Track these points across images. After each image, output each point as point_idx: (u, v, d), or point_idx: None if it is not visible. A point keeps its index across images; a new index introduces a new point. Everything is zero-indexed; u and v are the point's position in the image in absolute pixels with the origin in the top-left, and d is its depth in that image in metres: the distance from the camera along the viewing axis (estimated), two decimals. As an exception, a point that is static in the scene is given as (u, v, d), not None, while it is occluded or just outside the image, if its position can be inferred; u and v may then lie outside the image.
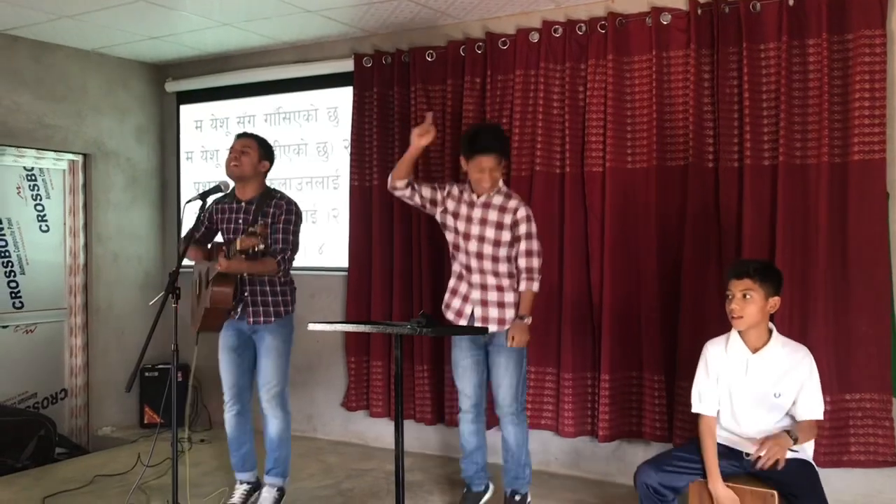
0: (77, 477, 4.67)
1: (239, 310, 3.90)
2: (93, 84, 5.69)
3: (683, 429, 4.13)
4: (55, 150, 5.55)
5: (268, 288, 3.91)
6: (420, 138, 3.69)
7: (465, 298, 3.81)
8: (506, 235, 3.73)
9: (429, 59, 4.91)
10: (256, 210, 3.89)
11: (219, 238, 4.09)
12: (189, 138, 6.10)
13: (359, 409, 5.27)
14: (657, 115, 4.27)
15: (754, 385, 3.13)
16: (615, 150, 4.36)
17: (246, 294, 3.89)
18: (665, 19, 4.24)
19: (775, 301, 3.11)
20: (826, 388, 3.38)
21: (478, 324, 3.75)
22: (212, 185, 3.77)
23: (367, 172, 5.16)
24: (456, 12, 4.68)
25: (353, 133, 5.19)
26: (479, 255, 3.76)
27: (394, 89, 5.05)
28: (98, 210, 5.77)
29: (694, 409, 3.25)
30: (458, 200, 3.84)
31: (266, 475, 4.06)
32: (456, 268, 3.90)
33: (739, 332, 3.16)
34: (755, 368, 3.13)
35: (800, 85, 3.97)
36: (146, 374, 5.74)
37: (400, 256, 5.02)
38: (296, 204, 3.97)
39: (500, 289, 3.76)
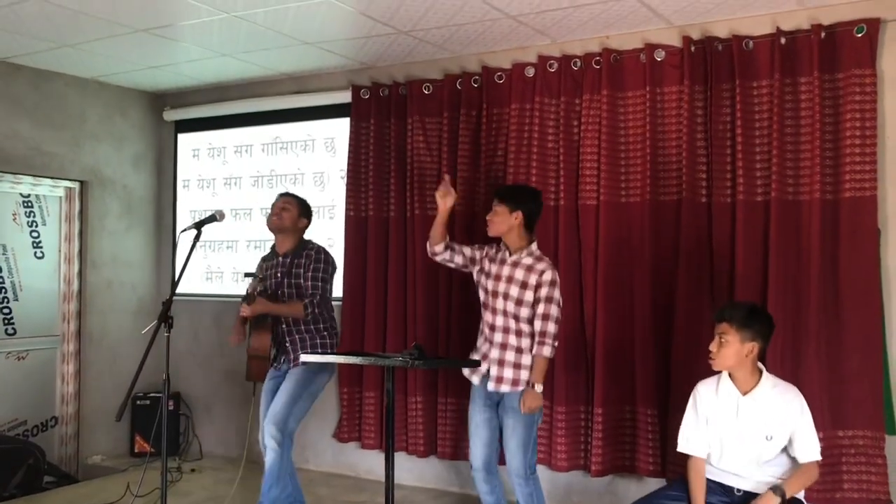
0: (65, 506, 4.63)
1: (281, 359, 4.14)
2: (91, 112, 5.73)
3: (676, 464, 4.11)
4: (52, 177, 5.57)
5: (304, 332, 4.13)
6: (443, 200, 3.86)
7: (484, 357, 3.82)
8: (528, 295, 3.74)
9: (426, 92, 4.96)
10: (291, 262, 4.12)
11: None
12: (186, 166, 6.13)
13: (351, 440, 5.24)
14: (651, 150, 4.31)
15: (746, 427, 3.12)
16: (609, 184, 4.40)
17: (287, 344, 4.12)
18: (659, 56, 4.30)
19: (752, 346, 3.10)
20: (819, 425, 3.38)
21: (492, 384, 3.76)
22: (207, 215, 3.79)
23: (362, 203, 5.18)
24: (453, 46, 4.74)
25: (349, 164, 5.21)
26: (504, 313, 3.77)
27: (391, 121, 5.09)
28: (93, 237, 5.78)
29: (680, 449, 3.27)
30: (492, 260, 3.89)
31: None
32: (481, 326, 3.90)
33: (729, 375, 3.17)
34: (746, 411, 3.13)
35: (792, 122, 4.01)
36: (138, 402, 5.71)
37: (394, 287, 5.02)
38: (325, 252, 4.19)
39: (518, 350, 3.75)
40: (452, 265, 4.00)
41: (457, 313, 4.78)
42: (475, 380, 3.84)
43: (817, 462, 3.13)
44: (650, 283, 4.31)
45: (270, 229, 4.22)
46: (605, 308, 4.37)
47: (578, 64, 4.51)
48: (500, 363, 3.75)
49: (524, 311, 3.74)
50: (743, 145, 4.07)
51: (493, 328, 3.81)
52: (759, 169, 4.08)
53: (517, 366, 3.73)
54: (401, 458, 4.84)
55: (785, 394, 3.14)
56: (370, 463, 5.19)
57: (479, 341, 3.90)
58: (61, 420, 5.69)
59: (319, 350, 4.09)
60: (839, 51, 3.91)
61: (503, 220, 3.79)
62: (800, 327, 3.95)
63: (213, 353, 5.85)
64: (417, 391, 4.91)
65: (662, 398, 4.25)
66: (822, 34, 3.92)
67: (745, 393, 3.14)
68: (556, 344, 3.74)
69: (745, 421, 3.12)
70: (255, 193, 5.78)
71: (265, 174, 5.75)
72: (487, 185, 4.73)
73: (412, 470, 5.01)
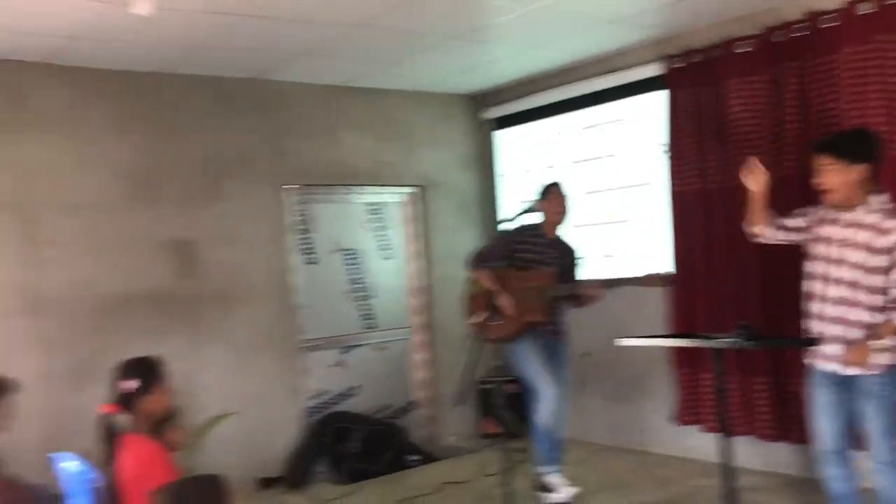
0: (426, 484, 5.08)
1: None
2: (419, 121, 6.21)
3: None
4: (391, 185, 6.14)
5: None
6: (752, 183, 3.48)
7: (820, 336, 3.32)
8: (878, 261, 3.17)
9: (742, 51, 4.61)
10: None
11: None
12: (506, 160, 6.38)
13: (691, 423, 5.06)
14: None
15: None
16: (977, 122, 3.73)
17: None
18: None
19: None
20: None
21: (836, 366, 3.28)
22: (525, 207, 3.92)
23: (686, 177, 4.97)
24: (767, -4, 4.36)
25: (670, 137, 5.03)
26: (841, 282, 3.26)
27: (707, 87, 4.81)
28: (432, 236, 6.27)
29: None
30: (827, 222, 3.35)
31: None
32: (807, 301, 3.44)
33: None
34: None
35: None
36: (483, 386, 6.06)
37: (723, 262, 4.75)
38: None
39: (864, 326, 3.22)
40: (786, 243, 3.57)
41: (793, 285, 4.37)
42: (817, 362, 3.40)
43: None
44: None
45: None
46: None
47: (926, -13, 3.89)
48: (845, 342, 3.26)
49: (869, 280, 3.20)
50: None
51: (824, 300, 3.32)
52: None
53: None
54: (750, 443, 4.60)
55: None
56: (713, 446, 4.96)
57: (811, 319, 3.41)
58: (418, 404, 6.27)
59: None
60: None
61: (839, 179, 3.22)
62: None
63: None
64: (759, 371, 4.60)
65: None
66: None
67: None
68: None
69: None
70: (574, 178, 5.83)
71: (581, 158, 5.78)
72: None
73: (764, 454, 4.71)
